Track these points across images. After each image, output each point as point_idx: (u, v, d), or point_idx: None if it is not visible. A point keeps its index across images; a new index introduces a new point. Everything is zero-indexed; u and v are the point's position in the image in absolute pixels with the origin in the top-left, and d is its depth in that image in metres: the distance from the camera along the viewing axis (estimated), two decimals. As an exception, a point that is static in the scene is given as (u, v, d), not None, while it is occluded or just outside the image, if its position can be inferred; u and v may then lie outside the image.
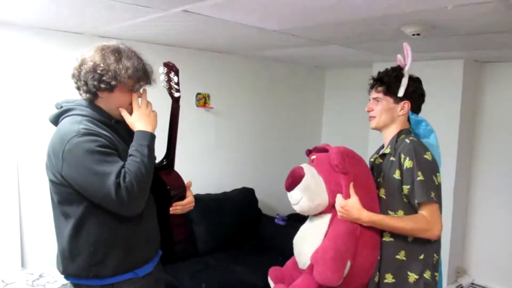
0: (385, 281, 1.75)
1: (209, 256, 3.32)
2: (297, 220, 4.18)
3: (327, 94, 4.84)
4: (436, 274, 1.74)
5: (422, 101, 1.88)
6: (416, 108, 1.85)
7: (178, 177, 1.80)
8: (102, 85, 1.50)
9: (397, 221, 1.69)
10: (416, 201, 1.66)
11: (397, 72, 1.82)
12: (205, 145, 3.75)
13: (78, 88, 1.56)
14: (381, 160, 1.85)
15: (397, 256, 1.74)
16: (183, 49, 3.44)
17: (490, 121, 3.65)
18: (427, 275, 1.70)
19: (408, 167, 1.68)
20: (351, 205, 1.67)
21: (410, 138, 1.74)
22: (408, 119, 1.86)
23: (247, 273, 3.09)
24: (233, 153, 3.98)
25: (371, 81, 1.89)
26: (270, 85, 4.25)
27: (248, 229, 3.74)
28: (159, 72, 1.70)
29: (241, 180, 3.98)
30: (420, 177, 1.65)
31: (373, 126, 1.89)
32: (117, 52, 1.52)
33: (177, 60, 1.85)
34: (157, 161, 1.79)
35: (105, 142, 1.47)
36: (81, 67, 1.51)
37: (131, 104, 1.60)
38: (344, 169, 1.69)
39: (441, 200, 1.72)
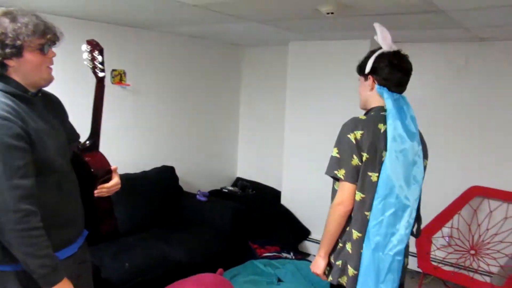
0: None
1: (130, 236, 3.24)
2: (218, 195, 4.29)
3: (244, 72, 4.90)
4: (358, 250, 1.76)
5: (389, 73, 1.78)
6: (383, 81, 1.79)
7: (102, 159, 1.74)
8: (7, 50, 1.37)
9: (325, 229, 1.81)
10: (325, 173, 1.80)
11: (369, 53, 1.88)
12: (121, 124, 3.62)
13: None
14: None
15: None
16: (96, 23, 3.25)
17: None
18: (348, 246, 1.79)
19: None
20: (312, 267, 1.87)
21: (359, 116, 1.80)
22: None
23: (171, 250, 3.10)
24: (152, 131, 3.90)
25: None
26: (187, 62, 4.19)
27: (170, 207, 3.72)
28: (82, 50, 1.63)
29: (161, 158, 3.92)
30: (333, 153, 1.77)
31: (360, 107, 1.96)
32: (9, 13, 1.40)
33: (92, 35, 1.77)
34: (81, 141, 1.74)
35: (18, 130, 1.36)
36: None
37: (47, 66, 1.48)
38: None
39: (362, 178, 1.72)
